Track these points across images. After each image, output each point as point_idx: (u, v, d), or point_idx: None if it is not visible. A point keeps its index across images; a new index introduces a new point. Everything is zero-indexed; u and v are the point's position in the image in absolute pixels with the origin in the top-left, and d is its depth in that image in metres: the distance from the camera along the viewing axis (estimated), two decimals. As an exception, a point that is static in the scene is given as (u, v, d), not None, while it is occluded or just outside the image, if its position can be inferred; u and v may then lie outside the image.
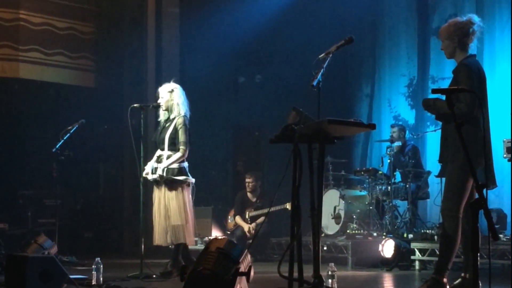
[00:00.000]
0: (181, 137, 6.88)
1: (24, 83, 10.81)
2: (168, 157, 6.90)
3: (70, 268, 7.34)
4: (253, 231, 9.41)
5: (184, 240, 6.90)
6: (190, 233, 6.97)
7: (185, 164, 6.99)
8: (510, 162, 7.73)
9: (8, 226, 9.76)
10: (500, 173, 5.33)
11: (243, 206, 9.82)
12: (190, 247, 7.16)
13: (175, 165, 6.89)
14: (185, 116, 6.98)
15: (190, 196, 6.99)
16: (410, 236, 8.54)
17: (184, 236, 6.88)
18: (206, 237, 10.05)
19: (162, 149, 6.97)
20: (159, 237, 6.97)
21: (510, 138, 7.74)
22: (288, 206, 8.46)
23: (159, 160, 6.96)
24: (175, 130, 6.91)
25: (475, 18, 5.26)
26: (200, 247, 9.16)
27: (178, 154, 6.87)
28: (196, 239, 9.48)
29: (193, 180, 6.98)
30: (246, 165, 12.23)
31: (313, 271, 4.42)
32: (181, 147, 6.88)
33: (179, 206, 6.86)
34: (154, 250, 8.52)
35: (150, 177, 6.95)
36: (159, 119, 7.21)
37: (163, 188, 6.93)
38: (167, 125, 7.02)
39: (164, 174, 6.85)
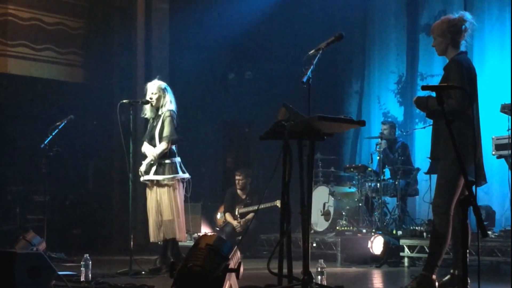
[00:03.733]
0: (165, 130, 6.88)
1: (12, 78, 10.73)
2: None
3: (59, 264, 7.32)
4: (240, 228, 9.42)
5: (175, 235, 6.90)
6: (182, 229, 6.98)
7: (177, 160, 6.99)
8: (500, 160, 7.77)
9: (-4, 222, 9.72)
10: (489, 170, 5.32)
11: (233, 203, 9.80)
12: (179, 243, 7.15)
13: (167, 161, 6.89)
14: (173, 111, 6.98)
15: (182, 192, 6.99)
16: (399, 233, 8.55)
17: (175, 232, 6.88)
18: (196, 234, 10.02)
19: (154, 145, 6.97)
20: (154, 234, 6.97)
21: (499, 135, 7.78)
22: (278, 203, 8.45)
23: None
24: (163, 125, 6.91)
25: (468, 16, 5.26)
26: (190, 243, 9.14)
27: (158, 149, 6.88)
28: (186, 235, 9.49)
29: (185, 176, 6.98)
30: (235, 162, 12.22)
31: (302, 267, 4.42)
32: (163, 142, 6.88)
33: (170, 201, 6.87)
34: (143, 246, 8.49)
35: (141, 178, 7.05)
36: (145, 116, 7.20)
37: (154, 185, 6.94)
38: (156, 121, 7.02)
39: (144, 170, 6.93)
